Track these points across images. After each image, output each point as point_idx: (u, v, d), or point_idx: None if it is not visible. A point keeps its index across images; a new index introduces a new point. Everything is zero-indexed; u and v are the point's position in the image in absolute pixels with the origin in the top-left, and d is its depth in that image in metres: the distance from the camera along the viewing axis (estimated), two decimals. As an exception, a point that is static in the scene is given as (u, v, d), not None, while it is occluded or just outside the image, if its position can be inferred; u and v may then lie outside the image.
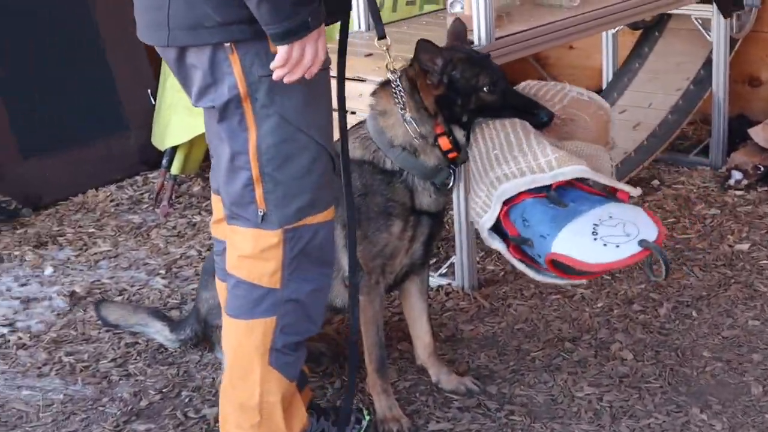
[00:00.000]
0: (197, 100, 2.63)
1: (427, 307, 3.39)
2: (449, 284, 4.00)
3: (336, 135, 2.77)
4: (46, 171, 5.06)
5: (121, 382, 3.50)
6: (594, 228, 2.67)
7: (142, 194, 5.10)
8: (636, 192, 2.82)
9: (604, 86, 5.35)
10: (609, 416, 3.22)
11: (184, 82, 2.66)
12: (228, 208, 2.72)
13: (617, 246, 2.64)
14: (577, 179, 2.81)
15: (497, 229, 2.92)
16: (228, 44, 2.49)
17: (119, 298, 4.08)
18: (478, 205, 2.89)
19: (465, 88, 3.00)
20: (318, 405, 3.16)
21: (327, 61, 2.60)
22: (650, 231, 2.69)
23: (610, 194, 2.83)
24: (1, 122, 4.98)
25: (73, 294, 4.10)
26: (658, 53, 5.27)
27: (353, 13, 4.17)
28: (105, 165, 5.24)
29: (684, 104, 5.05)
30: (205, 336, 3.53)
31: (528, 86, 3.28)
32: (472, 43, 3.26)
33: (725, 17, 4.89)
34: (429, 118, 3.01)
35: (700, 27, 5.04)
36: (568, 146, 2.91)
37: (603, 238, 2.65)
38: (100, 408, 3.36)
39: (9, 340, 3.79)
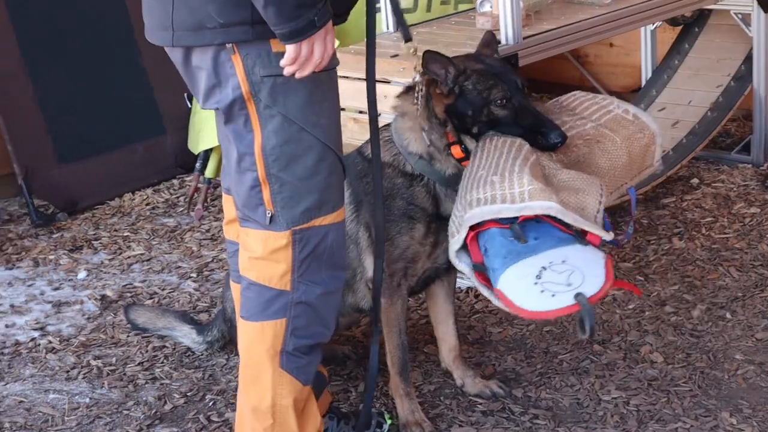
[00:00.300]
0: (204, 102, 2.63)
1: (453, 309, 3.36)
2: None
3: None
4: (82, 176, 5.10)
5: (146, 385, 3.51)
6: (540, 272, 2.57)
7: (177, 198, 5.12)
8: (608, 236, 2.67)
9: (643, 84, 5.27)
10: (635, 420, 3.16)
11: (191, 83, 2.67)
12: (240, 210, 2.72)
13: (553, 295, 2.53)
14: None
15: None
16: (230, 45, 2.50)
17: (150, 301, 4.09)
18: (454, 223, 2.82)
19: (476, 100, 2.96)
20: (338, 409, 3.14)
21: (334, 62, 2.58)
22: (594, 284, 2.54)
23: (579, 234, 2.69)
24: (38, 127, 5.03)
25: (104, 298, 4.12)
26: (698, 49, 5.17)
27: (381, 15, 4.16)
28: (142, 169, 5.27)
29: (724, 101, 4.96)
30: (231, 337, 3.53)
31: (574, 97, 3.20)
32: (496, 53, 3.18)
33: (765, 12, 4.79)
34: (440, 126, 2.99)
35: (740, 22, 4.94)
36: (560, 176, 2.80)
37: (543, 284, 2.54)
38: (125, 412, 3.37)
39: (39, 344, 3.81)
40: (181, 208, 4.98)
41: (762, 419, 3.13)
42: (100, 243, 4.67)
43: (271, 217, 2.63)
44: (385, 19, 4.14)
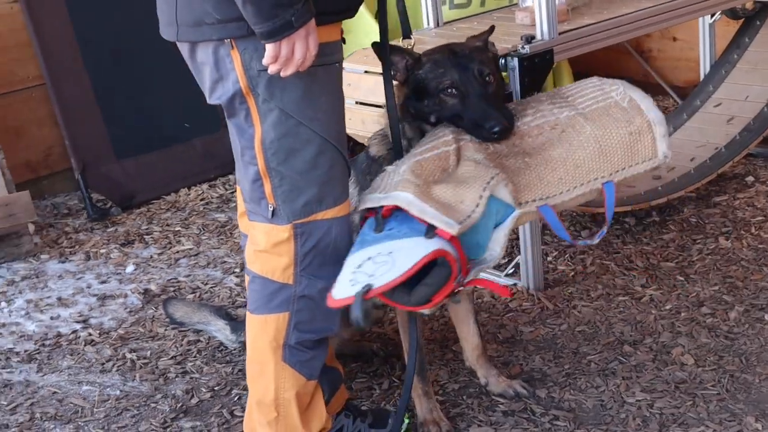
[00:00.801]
0: (209, 97, 2.69)
1: (473, 308, 3.34)
2: (515, 284, 3.93)
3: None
4: (139, 171, 5.20)
5: (176, 379, 3.56)
6: (364, 262, 2.54)
7: (231, 193, 5.18)
8: (454, 230, 2.58)
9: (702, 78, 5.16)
10: (657, 423, 3.10)
11: (199, 78, 2.73)
12: (247, 203, 2.76)
13: (353, 285, 2.51)
14: None
15: None
16: (228, 41, 2.55)
17: (191, 296, 4.15)
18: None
19: (428, 89, 2.96)
20: (355, 406, 3.14)
21: (332, 58, 2.61)
22: (388, 277, 2.49)
23: (430, 228, 2.61)
24: (96, 124, 5.14)
25: (146, 292, 4.19)
26: (759, 43, 5.03)
27: (423, 9, 4.15)
28: (198, 165, 5.35)
29: (782, 96, 4.83)
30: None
31: (581, 85, 3.12)
32: (481, 42, 3.14)
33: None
34: (404, 117, 3.01)
35: (802, 15, 4.82)
36: (461, 167, 2.76)
37: (356, 274, 2.52)
38: (153, 405, 3.43)
39: (80, 336, 3.90)
40: (234, 204, 5.03)
41: (788, 425, 3.06)
42: (151, 237, 4.75)
43: (273, 210, 2.67)
44: (425, 15, 4.13)
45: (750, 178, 4.71)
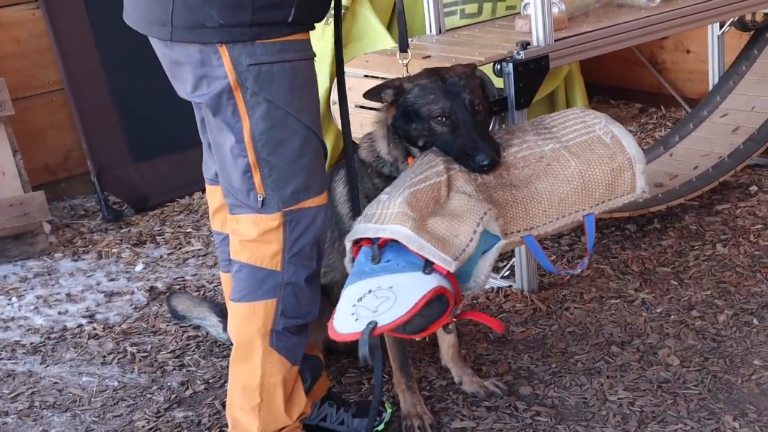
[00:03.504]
0: (191, 93, 2.77)
1: None
2: (509, 286, 3.99)
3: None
4: (155, 174, 5.31)
5: (173, 372, 3.66)
6: (365, 295, 2.59)
7: (244, 197, 5.27)
8: (451, 267, 2.64)
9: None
10: (636, 421, 3.15)
11: (175, 75, 2.80)
12: (233, 197, 2.85)
13: (357, 319, 2.55)
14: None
15: None
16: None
17: (196, 293, 4.25)
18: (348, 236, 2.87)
19: (417, 114, 3.00)
20: (338, 395, 3.22)
21: (309, 53, 2.74)
22: (394, 314, 2.53)
23: (428, 263, 2.65)
24: (114, 128, 5.26)
25: (152, 289, 4.30)
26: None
27: (425, 16, 4.23)
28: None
29: (787, 107, 4.87)
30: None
31: (564, 115, 3.13)
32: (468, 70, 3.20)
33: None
34: (393, 138, 3.07)
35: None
36: (453, 201, 2.79)
37: (358, 308, 2.56)
38: (148, 396, 3.52)
39: (84, 330, 4.01)
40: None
41: (765, 424, 3.09)
42: (162, 238, 4.86)
43: (263, 200, 2.77)
44: (428, 22, 4.21)
45: (753, 188, 4.74)
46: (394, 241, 2.69)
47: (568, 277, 4.04)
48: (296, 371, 2.91)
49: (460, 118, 2.97)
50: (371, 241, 2.73)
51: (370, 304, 2.57)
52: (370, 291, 2.60)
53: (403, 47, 3.12)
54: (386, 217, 2.73)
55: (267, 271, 2.82)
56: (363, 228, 2.76)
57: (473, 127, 2.96)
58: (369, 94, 3.07)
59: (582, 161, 2.94)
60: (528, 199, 2.90)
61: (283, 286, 2.82)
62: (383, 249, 2.70)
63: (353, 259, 2.77)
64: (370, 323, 2.52)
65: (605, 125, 3.04)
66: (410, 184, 2.81)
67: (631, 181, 2.99)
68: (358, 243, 2.79)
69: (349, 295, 2.64)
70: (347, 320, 2.57)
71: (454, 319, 2.76)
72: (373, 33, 4.70)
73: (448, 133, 2.97)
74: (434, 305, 2.64)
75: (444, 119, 2.97)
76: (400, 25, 3.13)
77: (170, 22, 2.71)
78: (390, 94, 3.04)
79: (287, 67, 2.68)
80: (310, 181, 2.78)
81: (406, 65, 3.11)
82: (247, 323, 2.86)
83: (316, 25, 2.79)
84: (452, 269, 2.65)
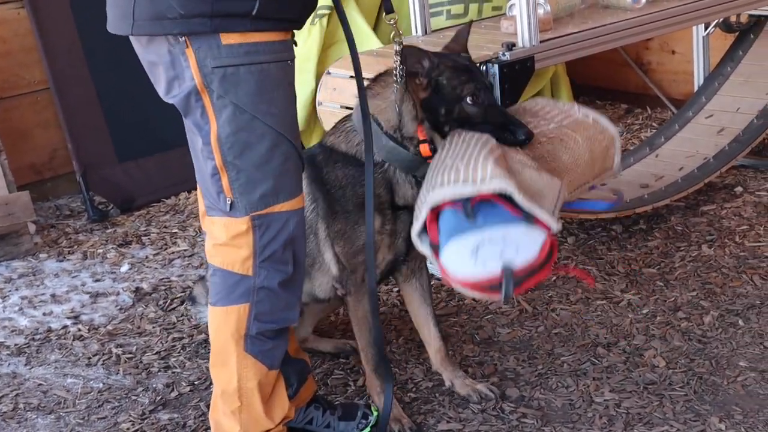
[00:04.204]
0: (165, 95, 2.76)
1: (431, 311, 3.37)
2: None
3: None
4: (140, 174, 5.30)
5: (159, 373, 3.64)
6: (478, 246, 2.61)
7: (230, 197, 5.25)
8: (557, 227, 2.68)
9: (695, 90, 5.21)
10: (622, 422, 3.15)
11: (152, 76, 2.81)
12: (206, 199, 2.85)
13: (484, 264, 2.58)
14: (506, 199, 2.73)
15: None
16: (182, 39, 2.63)
17: (181, 295, 4.23)
18: (418, 207, 2.86)
19: (449, 96, 2.98)
20: (324, 398, 3.22)
21: (284, 55, 2.71)
22: (525, 257, 2.59)
23: (528, 217, 2.69)
24: (99, 127, 5.25)
25: (138, 290, 4.28)
26: (753, 56, 5.09)
27: (411, 17, 4.23)
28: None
29: (772, 108, 4.88)
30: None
31: (535, 103, 3.25)
32: (464, 49, 3.21)
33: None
34: (414, 120, 3.02)
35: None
36: (524, 173, 2.82)
37: (478, 255, 2.59)
38: (133, 397, 3.51)
39: (69, 332, 3.99)
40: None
41: (751, 426, 3.09)
42: (148, 239, 4.84)
43: (231, 203, 2.75)
44: (413, 22, 4.20)
45: (739, 189, 4.75)
46: (482, 203, 2.68)
47: (555, 277, 4.04)
48: (274, 375, 2.90)
49: (489, 98, 3.01)
50: (454, 204, 2.71)
51: (492, 251, 2.59)
52: (483, 241, 2.61)
53: (389, 9, 2.99)
54: (480, 178, 2.70)
55: (239, 276, 2.79)
56: (455, 189, 2.72)
57: (498, 106, 3.03)
58: (409, 54, 2.96)
59: (585, 137, 3.03)
60: (560, 170, 2.95)
61: (255, 291, 2.80)
62: (474, 209, 2.69)
63: (425, 229, 2.76)
64: (506, 266, 2.55)
65: (579, 109, 3.16)
66: (486, 153, 2.80)
67: (613, 157, 3.13)
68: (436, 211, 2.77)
69: (457, 247, 2.63)
70: (470, 267, 2.59)
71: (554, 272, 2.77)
72: (359, 34, 4.69)
73: (480, 114, 2.97)
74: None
75: (477, 99, 2.97)
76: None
77: (132, 15, 2.70)
78: (425, 74, 2.99)
79: (254, 69, 2.65)
80: (279, 185, 2.75)
81: (395, 23, 2.98)
82: (222, 328, 2.85)
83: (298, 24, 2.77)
84: (555, 228, 2.68)
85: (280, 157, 2.73)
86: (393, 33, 2.97)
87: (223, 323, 2.82)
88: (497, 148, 2.88)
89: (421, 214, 2.79)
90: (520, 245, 2.61)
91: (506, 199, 2.70)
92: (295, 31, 2.83)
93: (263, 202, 2.73)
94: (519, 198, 2.67)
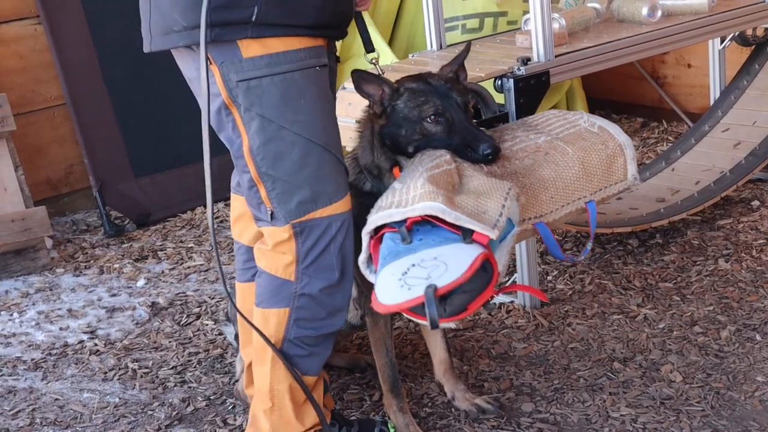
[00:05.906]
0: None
1: None
2: (511, 302, 3.98)
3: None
4: (157, 189, 5.32)
5: (175, 388, 3.65)
6: (408, 269, 2.55)
7: (245, 212, 5.27)
8: (493, 234, 2.61)
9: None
10: (639, 438, 3.15)
11: (194, 91, 2.87)
12: (251, 210, 2.90)
13: (409, 288, 2.52)
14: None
15: None
16: (205, 55, 2.65)
17: (198, 309, 4.24)
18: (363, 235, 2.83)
19: (409, 118, 2.95)
20: (341, 415, 3.21)
21: (308, 62, 2.73)
22: (451, 276, 2.51)
23: (466, 234, 2.62)
24: (115, 143, 5.27)
25: (154, 305, 4.29)
26: (769, 70, 5.08)
27: (426, 32, 4.23)
28: (215, 184, 5.41)
29: (789, 122, 4.86)
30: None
31: (541, 116, 3.21)
32: (456, 67, 3.16)
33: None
34: (381, 147, 3.01)
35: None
36: (473, 182, 2.78)
37: (406, 279, 2.53)
38: (149, 412, 3.51)
39: (86, 346, 4.00)
40: (247, 222, 5.13)
41: (768, 441, 3.09)
42: (164, 253, 4.85)
43: (271, 213, 2.80)
44: (428, 37, 4.21)
45: (756, 203, 4.74)
46: (422, 223, 2.65)
47: (571, 293, 4.03)
48: (311, 381, 2.94)
49: (454, 116, 2.94)
50: (393, 228, 2.68)
51: (419, 274, 2.54)
52: (413, 265, 2.56)
53: (370, 48, 3.03)
54: (410, 199, 2.67)
55: (282, 280, 2.85)
56: (385, 215, 2.69)
57: (467, 122, 2.95)
58: (363, 82, 2.95)
59: (578, 148, 2.98)
60: (535, 185, 2.90)
61: (296, 297, 2.85)
62: (411, 231, 2.65)
63: (370, 256, 2.73)
64: (429, 286, 2.49)
65: (588, 119, 3.11)
66: (424, 170, 2.77)
67: (624, 167, 3.04)
68: (375, 235, 2.73)
69: (389, 272, 2.59)
70: (396, 291, 2.53)
71: (498, 293, 2.72)
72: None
73: (442, 132, 2.93)
74: (479, 277, 2.59)
75: (438, 118, 2.93)
76: (360, 28, 3.05)
77: (150, 32, 2.79)
78: (385, 101, 2.97)
79: (277, 80, 2.69)
80: (317, 191, 2.78)
81: (376, 63, 3.02)
82: (263, 329, 2.90)
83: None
84: (494, 236, 2.61)
85: (314, 163, 2.76)
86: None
87: (263, 325, 2.88)
88: (449, 163, 2.83)
89: (363, 242, 2.76)
90: (450, 264, 2.54)
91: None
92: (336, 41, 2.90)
93: (302, 209, 2.77)
94: (449, 216, 2.61)
